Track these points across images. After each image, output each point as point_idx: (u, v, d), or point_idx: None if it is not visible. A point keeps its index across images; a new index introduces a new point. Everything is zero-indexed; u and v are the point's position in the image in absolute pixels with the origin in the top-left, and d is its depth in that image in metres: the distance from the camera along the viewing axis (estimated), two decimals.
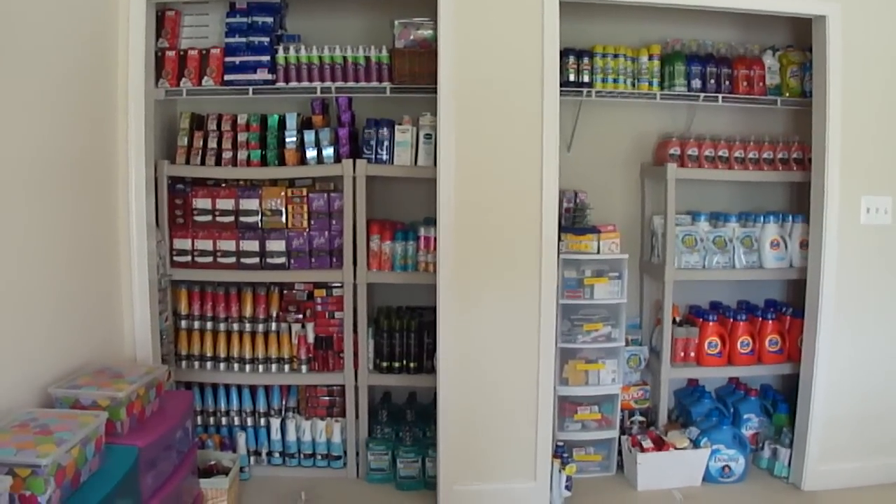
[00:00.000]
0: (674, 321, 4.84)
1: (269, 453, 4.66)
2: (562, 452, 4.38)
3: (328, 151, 4.48)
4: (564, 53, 4.50)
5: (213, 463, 4.21)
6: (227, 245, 4.51)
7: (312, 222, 4.53)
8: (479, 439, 4.26)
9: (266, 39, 4.44)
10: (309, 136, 4.48)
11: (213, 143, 4.52)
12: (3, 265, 2.97)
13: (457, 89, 4.06)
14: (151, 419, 3.31)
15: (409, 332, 4.62)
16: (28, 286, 3.13)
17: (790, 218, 4.85)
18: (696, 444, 4.54)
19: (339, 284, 4.56)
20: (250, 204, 4.51)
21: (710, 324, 4.83)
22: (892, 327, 4.47)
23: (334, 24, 4.72)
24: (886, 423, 4.53)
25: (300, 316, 4.62)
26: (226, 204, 4.51)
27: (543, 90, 4.11)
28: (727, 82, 4.76)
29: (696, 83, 4.71)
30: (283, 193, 4.51)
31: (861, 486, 4.47)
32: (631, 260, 4.71)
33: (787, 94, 4.78)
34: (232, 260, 4.52)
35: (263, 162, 4.50)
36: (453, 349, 4.19)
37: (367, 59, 4.45)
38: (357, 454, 4.64)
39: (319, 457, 4.65)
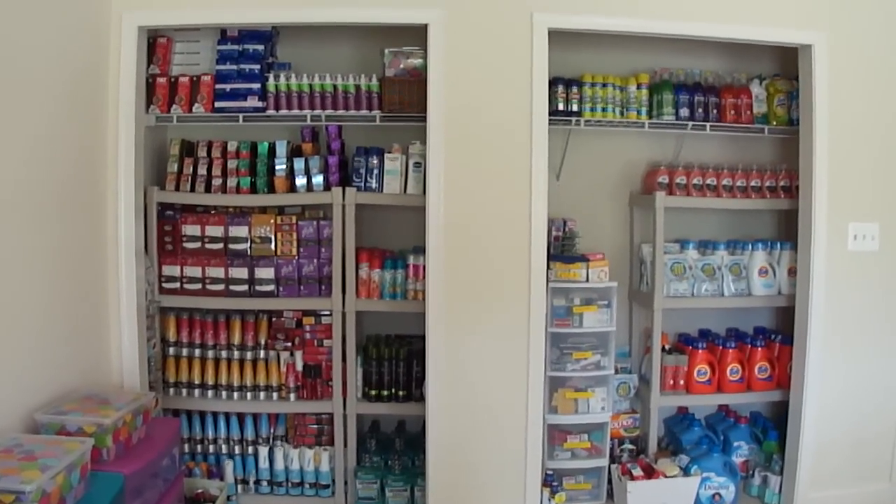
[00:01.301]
0: (663, 349, 4.83)
1: (257, 482, 4.62)
2: (551, 481, 4.37)
3: (318, 179, 4.48)
4: (553, 82, 4.52)
5: (200, 491, 4.19)
6: (216, 272, 4.50)
7: (301, 250, 4.52)
8: (468, 468, 4.25)
9: (257, 67, 4.46)
10: (299, 163, 4.49)
11: (202, 170, 4.52)
12: None
13: (446, 118, 4.10)
14: (138, 446, 3.29)
15: (397, 361, 4.60)
16: (15, 312, 3.13)
17: (778, 245, 4.87)
18: (686, 471, 4.52)
19: (327, 312, 4.55)
20: (239, 231, 4.51)
21: (700, 351, 4.83)
22: (880, 353, 4.49)
23: (325, 52, 4.75)
24: (876, 449, 4.54)
25: (289, 344, 4.60)
26: (215, 231, 4.51)
27: (532, 119, 4.15)
28: (715, 111, 4.78)
29: (685, 112, 4.73)
30: (272, 221, 4.52)
31: None
32: (620, 288, 4.71)
33: (775, 123, 4.81)
34: (221, 287, 4.51)
35: (253, 189, 4.50)
36: (442, 378, 4.19)
37: (358, 87, 4.47)
38: (345, 483, 4.60)
39: (307, 485, 4.61)
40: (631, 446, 4.86)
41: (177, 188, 4.51)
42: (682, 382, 4.83)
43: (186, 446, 4.59)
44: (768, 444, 4.84)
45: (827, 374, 4.43)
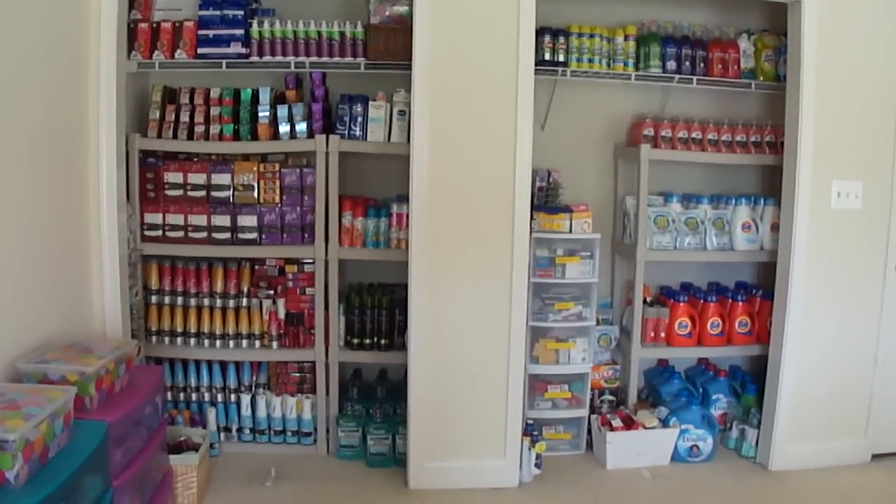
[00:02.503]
0: (644, 301, 4.86)
1: (240, 429, 4.64)
2: (532, 430, 4.41)
3: (301, 127, 4.46)
4: (540, 32, 4.49)
5: (182, 439, 4.20)
6: (199, 220, 4.49)
7: (284, 198, 4.50)
8: (449, 417, 4.27)
9: (240, 13, 4.40)
10: (282, 111, 4.45)
11: (185, 117, 4.48)
12: None
13: (431, 66, 4.05)
14: (121, 395, 3.29)
15: (380, 309, 4.62)
16: None
17: (762, 201, 4.90)
18: (665, 423, 4.58)
19: (310, 260, 4.54)
20: (222, 179, 4.48)
21: (681, 304, 4.87)
22: (859, 311, 4.52)
23: None
24: (852, 405, 4.59)
25: (271, 292, 4.60)
26: (197, 178, 4.48)
27: (518, 68, 4.10)
28: (702, 65, 4.76)
29: (672, 65, 4.72)
30: (255, 168, 4.49)
31: (827, 466, 4.53)
32: (603, 240, 4.70)
33: (762, 78, 4.80)
34: (203, 235, 4.49)
35: (236, 136, 4.48)
36: (424, 326, 4.19)
37: (342, 34, 4.42)
38: (327, 431, 4.64)
39: (290, 433, 4.64)
40: (611, 397, 4.90)
41: (159, 135, 4.47)
42: (662, 335, 4.88)
43: (169, 394, 4.60)
44: (747, 398, 4.89)
45: (806, 330, 4.46)
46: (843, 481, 4.44)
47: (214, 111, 4.48)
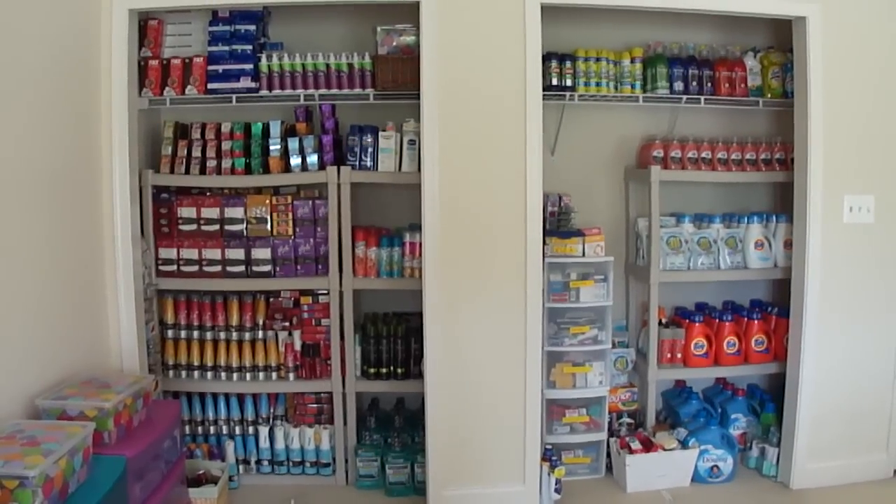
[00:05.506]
0: (660, 323, 4.86)
1: (258, 461, 4.64)
2: (550, 455, 4.39)
3: (312, 159, 4.48)
4: (547, 57, 4.52)
5: (201, 472, 4.21)
6: (213, 254, 4.51)
7: (297, 230, 4.52)
8: (467, 444, 4.26)
9: (249, 47, 4.44)
10: (293, 143, 4.48)
11: (197, 152, 4.51)
12: None
13: (440, 95, 4.08)
14: (139, 429, 3.30)
15: (395, 338, 4.62)
16: (13, 297, 3.13)
17: (774, 218, 4.88)
18: (684, 444, 4.55)
19: (325, 291, 4.56)
20: (235, 212, 4.51)
21: (696, 325, 4.85)
22: (876, 325, 4.50)
23: (317, 31, 4.73)
24: (873, 420, 4.56)
25: (287, 323, 4.61)
26: (211, 212, 4.50)
27: (526, 94, 4.12)
28: (709, 84, 4.77)
29: (679, 85, 4.73)
30: (267, 201, 4.51)
31: (849, 483, 4.50)
32: (616, 262, 4.69)
33: (769, 95, 4.80)
34: (217, 268, 4.51)
35: (248, 170, 4.50)
36: (440, 354, 4.19)
37: (350, 65, 4.46)
38: (346, 461, 4.63)
39: (308, 464, 4.64)
40: (629, 420, 4.89)
41: (171, 171, 4.50)
42: (679, 356, 4.86)
43: (187, 428, 4.60)
44: (766, 417, 4.87)
45: (823, 346, 4.44)
46: (866, 497, 4.41)
47: (226, 145, 4.51)
